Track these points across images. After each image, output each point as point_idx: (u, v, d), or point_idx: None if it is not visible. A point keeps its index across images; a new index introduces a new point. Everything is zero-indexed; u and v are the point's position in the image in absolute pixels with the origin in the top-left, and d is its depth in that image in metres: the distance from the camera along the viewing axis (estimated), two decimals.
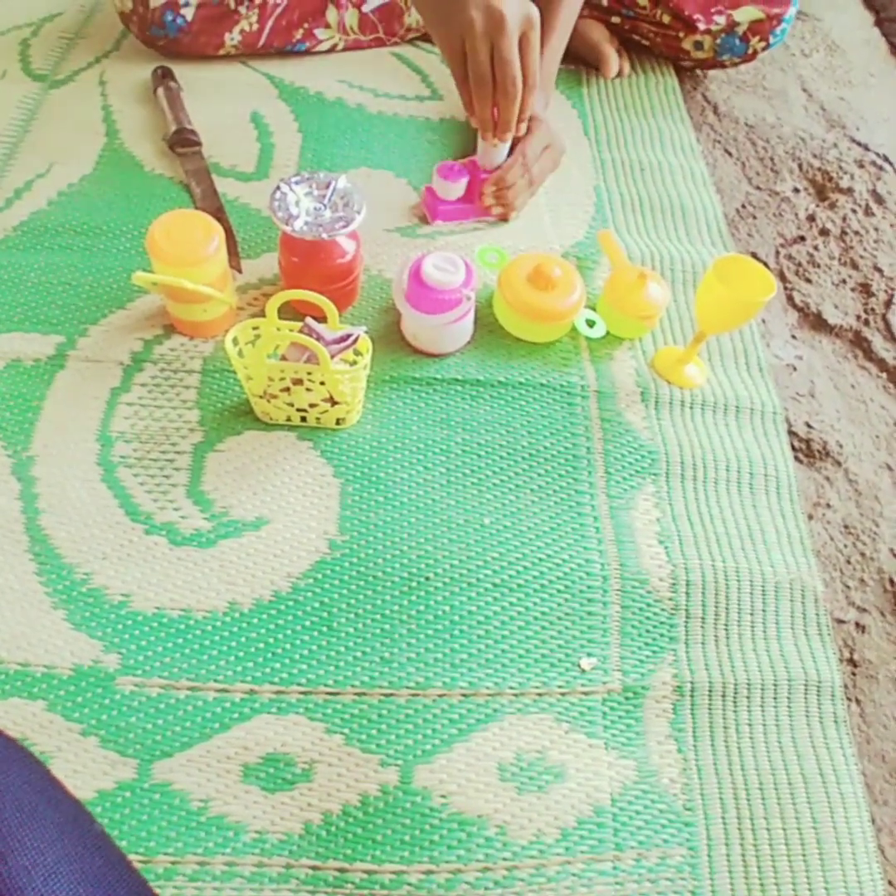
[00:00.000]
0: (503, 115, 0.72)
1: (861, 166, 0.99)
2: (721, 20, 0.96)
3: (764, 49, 0.98)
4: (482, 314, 0.78)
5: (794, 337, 0.84)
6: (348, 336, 0.64)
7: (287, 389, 0.65)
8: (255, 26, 0.95)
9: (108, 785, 0.54)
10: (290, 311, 0.73)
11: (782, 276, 0.89)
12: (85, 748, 0.55)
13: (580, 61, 1.04)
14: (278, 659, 0.59)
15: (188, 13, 0.91)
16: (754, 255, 0.89)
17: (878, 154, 1.01)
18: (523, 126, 0.75)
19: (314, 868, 0.52)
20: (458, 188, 0.82)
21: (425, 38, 1.05)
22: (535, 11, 0.69)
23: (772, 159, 1.00)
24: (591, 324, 0.75)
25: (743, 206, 0.95)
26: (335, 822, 0.54)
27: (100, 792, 0.54)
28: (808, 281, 0.88)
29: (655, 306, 0.75)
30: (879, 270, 0.89)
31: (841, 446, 0.76)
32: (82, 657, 0.58)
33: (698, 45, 0.99)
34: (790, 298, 0.87)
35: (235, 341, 0.65)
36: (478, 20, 0.68)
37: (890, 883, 0.56)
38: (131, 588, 0.61)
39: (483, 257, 0.77)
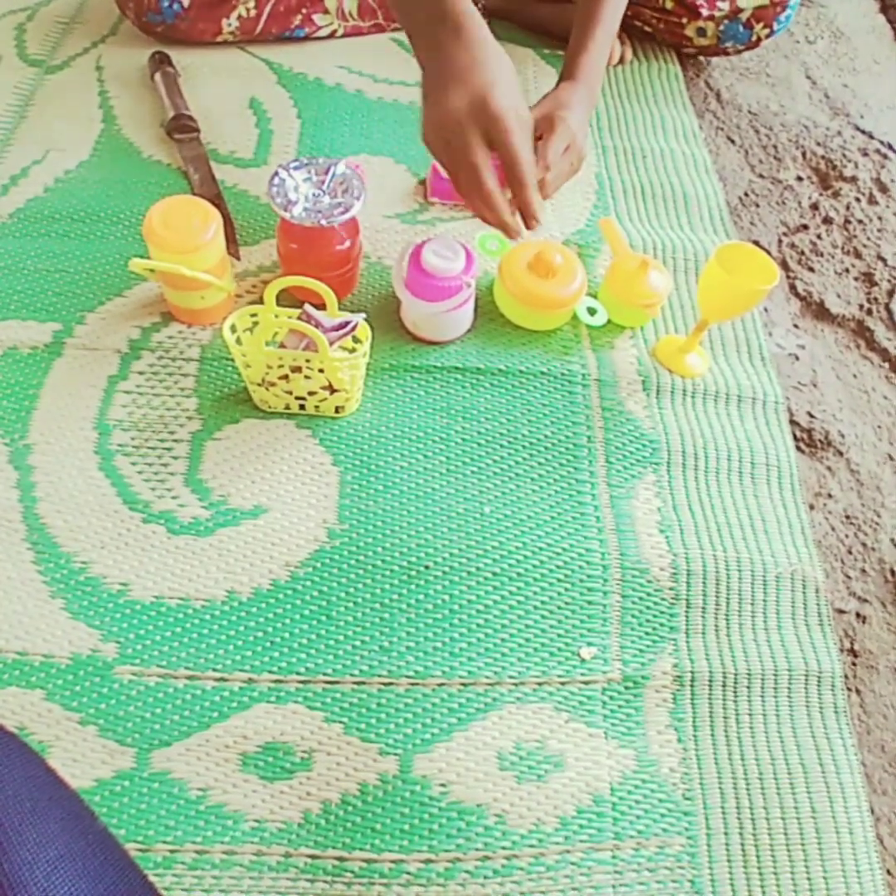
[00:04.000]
0: (488, 218, 0.62)
1: (865, 154, 0.98)
2: (724, 6, 0.95)
3: (767, 36, 0.97)
4: (482, 302, 0.77)
5: (796, 326, 0.84)
6: (347, 323, 0.64)
7: (285, 377, 0.65)
8: (253, 12, 0.94)
9: (106, 774, 0.54)
10: (289, 298, 0.73)
11: (785, 265, 0.88)
12: (83, 737, 0.55)
13: None
14: (277, 648, 0.59)
15: None
16: (757, 244, 0.89)
17: (882, 142, 1.00)
18: (534, 220, 0.63)
19: (313, 857, 0.52)
20: None
21: None
22: (497, 102, 0.58)
23: (775, 147, 0.99)
24: (592, 312, 0.75)
25: (746, 194, 0.94)
26: (334, 811, 0.54)
27: (98, 781, 0.54)
28: (811, 270, 0.88)
29: (657, 294, 0.74)
30: (883, 260, 0.88)
31: (843, 436, 0.75)
32: (80, 646, 0.58)
33: (701, 32, 0.98)
34: (793, 287, 0.86)
35: (233, 329, 0.64)
36: (434, 124, 0.60)
37: (888, 872, 0.56)
38: (129, 577, 0.61)
39: (483, 244, 0.77)
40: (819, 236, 0.90)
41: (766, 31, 0.96)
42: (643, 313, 0.76)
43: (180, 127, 0.86)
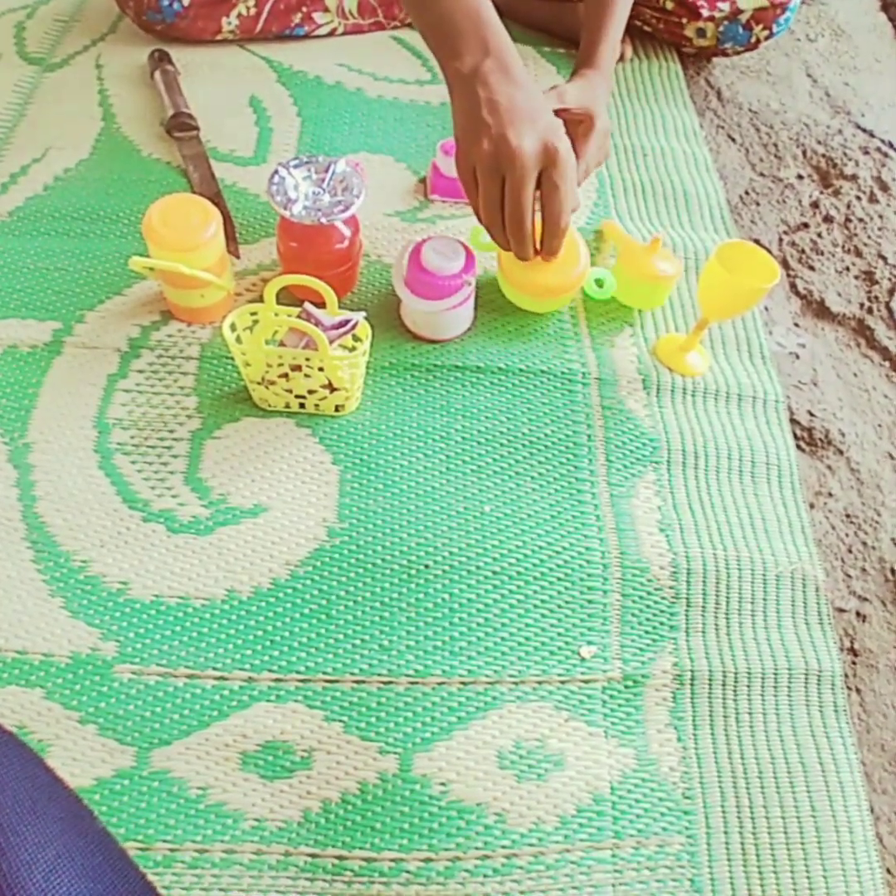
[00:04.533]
0: (516, 251, 0.65)
1: (866, 153, 0.98)
2: (725, 7, 0.95)
3: (767, 38, 0.97)
4: (484, 300, 0.77)
5: (796, 325, 0.84)
6: (347, 322, 0.64)
7: (285, 375, 0.65)
8: (253, 10, 0.94)
9: (106, 773, 0.54)
10: (289, 297, 0.72)
11: (785, 264, 0.88)
12: (83, 736, 0.55)
13: None
14: (277, 647, 0.59)
15: None
16: (757, 242, 0.89)
17: (883, 140, 1.00)
18: (553, 257, 0.67)
19: (313, 856, 0.52)
20: None
21: None
22: (561, 145, 0.60)
23: (775, 145, 0.99)
24: (599, 283, 0.74)
25: (746, 193, 0.94)
26: (334, 809, 0.54)
27: (98, 780, 0.53)
28: (812, 268, 0.88)
29: (670, 268, 0.74)
30: (883, 258, 0.88)
31: (843, 435, 0.75)
32: (80, 645, 0.58)
33: (701, 33, 0.98)
34: (793, 286, 0.86)
35: (233, 327, 0.64)
36: (488, 153, 0.59)
37: (888, 871, 0.56)
38: (129, 575, 0.61)
39: (475, 238, 0.75)
40: (819, 235, 0.90)
41: (766, 32, 0.97)
42: (659, 287, 0.75)
43: (180, 125, 0.86)
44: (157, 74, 0.90)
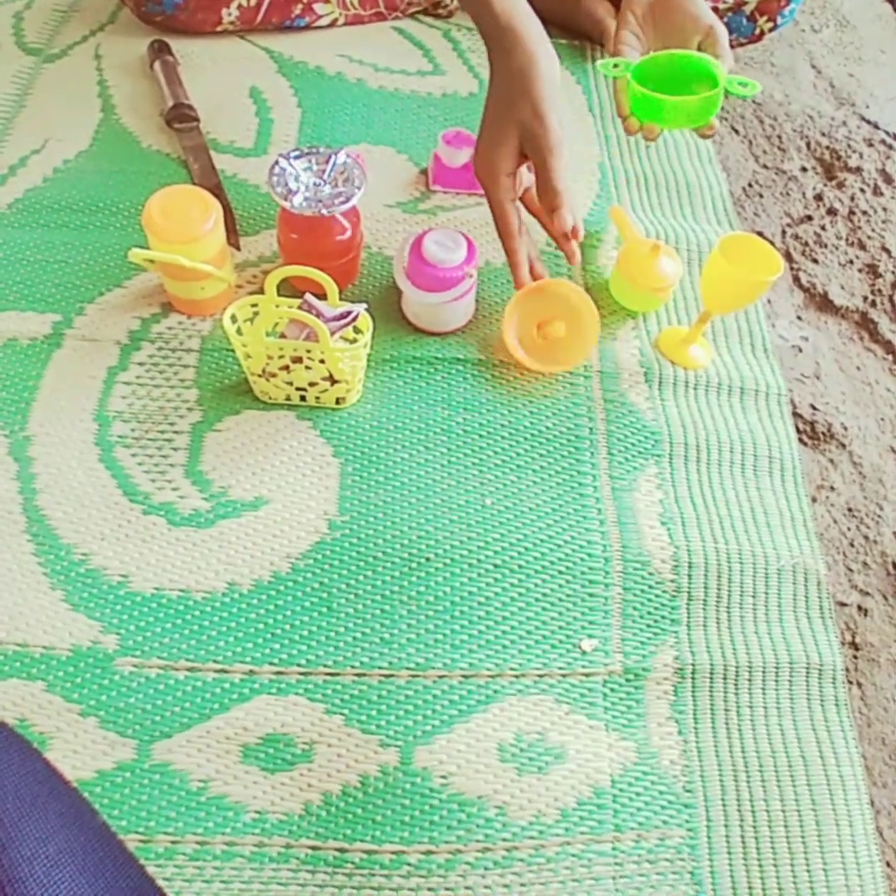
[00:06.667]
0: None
1: (870, 145, 0.98)
2: None
3: (771, 30, 0.97)
4: (484, 292, 0.77)
5: (799, 318, 0.83)
6: (348, 313, 0.63)
7: (286, 368, 0.64)
8: (253, 1, 0.93)
9: (107, 765, 0.54)
10: (290, 289, 0.72)
11: (789, 256, 0.87)
12: (84, 729, 0.55)
13: (585, 37, 1.01)
14: (277, 640, 0.59)
15: None
16: (760, 235, 0.88)
17: (887, 132, 1.00)
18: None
19: (314, 848, 0.52)
20: (461, 155, 0.81)
21: (427, 12, 1.03)
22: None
23: (779, 137, 0.98)
24: (743, 84, 0.69)
25: (749, 185, 0.93)
26: (335, 802, 0.54)
27: (99, 772, 0.54)
28: (815, 261, 0.87)
29: (668, 278, 0.74)
30: (887, 251, 0.88)
31: (846, 428, 0.75)
32: (81, 638, 0.58)
33: None
34: (796, 279, 0.86)
35: (234, 319, 0.64)
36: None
37: (888, 864, 0.56)
38: (130, 569, 0.61)
39: (605, 68, 0.69)
40: (823, 227, 0.90)
41: (770, 24, 0.96)
42: (655, 297, 0.75)
43: (180, 116, 0.86)
44: (157, 65, 0.89)
